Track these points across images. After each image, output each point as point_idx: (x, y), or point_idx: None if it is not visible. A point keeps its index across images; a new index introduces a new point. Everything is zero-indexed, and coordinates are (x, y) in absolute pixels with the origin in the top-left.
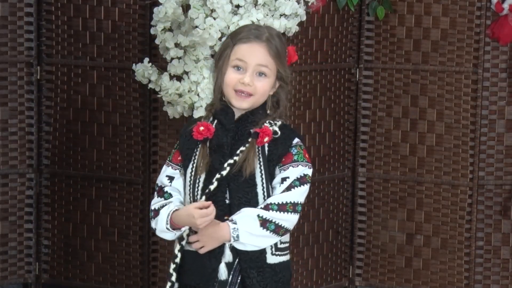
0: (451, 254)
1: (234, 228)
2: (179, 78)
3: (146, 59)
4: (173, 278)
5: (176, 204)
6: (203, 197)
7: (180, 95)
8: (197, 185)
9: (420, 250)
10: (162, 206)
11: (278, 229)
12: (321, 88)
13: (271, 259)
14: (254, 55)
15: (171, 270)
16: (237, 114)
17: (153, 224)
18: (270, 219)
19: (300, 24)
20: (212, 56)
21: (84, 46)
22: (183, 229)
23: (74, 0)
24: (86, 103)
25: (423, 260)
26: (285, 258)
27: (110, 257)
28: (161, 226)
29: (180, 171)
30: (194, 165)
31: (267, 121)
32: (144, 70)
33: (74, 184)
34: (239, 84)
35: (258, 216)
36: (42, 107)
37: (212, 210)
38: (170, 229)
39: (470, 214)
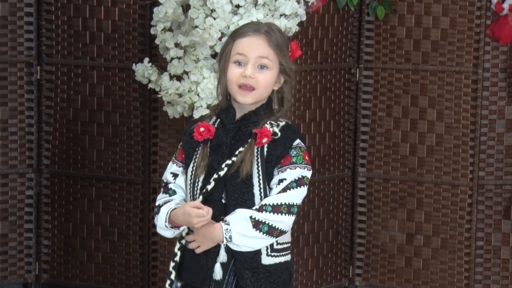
0: (451, 254)
1: (227, 229)
2: (179, 78)
3: (146, 59)
4: (172, 276)
5: (176, 202)
6: (201, 197)
7: (180, 95)
8: (196, 184)
9: (420, 250)
10: (166, 203)
11: (271, 231)
12: (321, 88)
13: (266, 260)
14: (253, 47)
15: (170, 268)
16: (240, 114)
17: (155, 220)
18: (263, 221)
19: (300, 24)
20: (212, 56)
21: (84, 46)
22: (181, 228)
23: (74, 0)
24: (86, 103)
25: (423, 260)
26: (283, 259)
27: (110, 257)
28: (160, 223)
29: (183, 169)
30: (195, 165)
31: (268, 122)
32: (144, 70)
33: (74, 184)
34: (241, 78)
35: (251, 217)
36: (42, 107)
37: (207, 211)
38: (169, 227)
39: (470, 214)
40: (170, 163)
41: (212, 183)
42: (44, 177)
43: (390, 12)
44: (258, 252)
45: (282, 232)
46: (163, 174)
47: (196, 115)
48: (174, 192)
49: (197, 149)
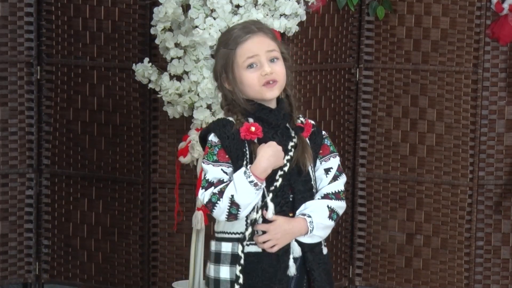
0: (451, 254)
1: (310, 222)
2: (179, 78)
3: (146, 59)
4: (241, 281)
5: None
6: (270, 195)
7: (180, 95)
8: None
9: (420, 250)
10: (226, 185)
11: (337, 218)
12: (321, 88)
13: (324, 250)
14: (259, 45)
15: (237, 272)
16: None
17: (220, 203)
18: (334, 209)
19: (300, 24)
20: (213, 56)
21: (84, 46)
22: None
23: (74, 0)
24: (86, 103)
25: (423, 260)
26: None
27: (110, 257)
28: (242, 187)
29: (232, 168)
30: (248, 164)
31: (298, 114)
32: (144, 70)
33: (74, 184)
34: (262, 78)
35: (328, 206)
36: (42, 107)
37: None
38: (255, 181)
39: (470, 214)
40: (210, 166)
41: (280, 180)
42: (44, 177)
43: (390, 12)
44: (320, 244)
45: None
46: (163, 174)
47: (196, 115)
48: (226, 184)
49: (244, 149)
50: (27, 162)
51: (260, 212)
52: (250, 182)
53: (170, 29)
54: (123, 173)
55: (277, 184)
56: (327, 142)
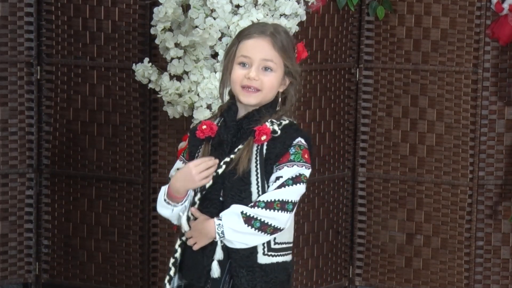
0: (451, 254)
1: (219, 224)
2: (179, 78)
3: (146, 59)
4: (171, 272)
5: None
6: (198, 194)
7: (180, 95)
8: None
9: (420, 250)
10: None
11: (264, 227)
12: (321, 88)
13: (262, 259)
14: (258, 50)
15: (170, 264)
16: (244, 112)
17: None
18: (255, 216)
19: (300, 24)
20: (212, 56)
21: (84, 46)
22: (179, 205)
23: (74, 0)
24: (86, 103)
25: (423, 260)
26: (281, 259)
27: (110, 257)
28: (160, 199)
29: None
30: None
31: (269, 120)
32: (144, 70)
33: (74, 184)
34: (245, 80)
35: (242, 213)
36: (42, 107)
37: (213, 162)
38: (168, 200)
39: (470, 214)
40: (178, 160)
41: (210, 181)
42: (44, 177)
43: (390, 12)
44: (254, 251)
45: (276, 229)
46: (163, 174)
47: (196, 115)
48: None
49: (199, 147)
50: (27, 162)
51: (188, 210)
52: (164, 199)
53: (170, 29)
54: (123, 173)
55: (207, 184)
56: (292, 150)
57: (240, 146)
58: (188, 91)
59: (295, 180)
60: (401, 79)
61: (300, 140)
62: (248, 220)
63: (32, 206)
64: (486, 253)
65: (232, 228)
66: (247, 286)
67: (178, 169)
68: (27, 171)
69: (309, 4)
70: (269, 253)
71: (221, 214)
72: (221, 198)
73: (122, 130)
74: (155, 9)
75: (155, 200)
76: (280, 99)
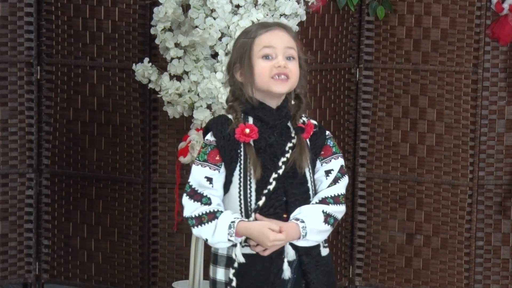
0: (451, 254)
1: (303, 227)
2: (179, 78)
3: (146, 59)
4: (234, 284)
5: (231, 214)
6: (263, 198)
7: (180, 95)
8: (249, 187)
9: (420, 250)
10: (207, 214)
11: (335, 222)
12: (321, 88)
13: (323, 251)
14: (280, 39)
15: (231, 276)
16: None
17: (196, 232)
18: (331, 214)
19: (300, 24)
20: (212, 56)
21: (84, 46)
22: (239, 238)
23: (74, 0)
24: (86, 103)
25: (423, 260)
26: (328, 249)
27: (110, 257)
28: (220, 237)
29: (219, 171)
30: (242, 167)
31: (303, 115)
32: (144, 70)
33: (74, 184)
34: (274, 69)
35: (323, 211)
36: (42, 107)
37: (285, 236)
38: (233, 239)
39: (470, 214)
40: (198, 167)
41: (273, 183)
42: (44, 177)
43: (390, 12)
44: (317, 245)
45: (338, 222)
46: (163, 174)
47: (196, 115)
48: (209, 200)
49: (238, 150)
50: (27, 162)
51: (253, 215)
52: (230, 237)
53: (170, 29)
54: (123, 173)
55: (271, 187)
56: (330, 143)
57: (290, 145)
58: (188, 91)
59: (342, 172)
60: (401, 79)
61: (329, 132)
62: (326, 217)
63: (32, 206)
64: (486, 253)
65: (316, 228)
66: (318, 281)
67: (206, 177)
68: (27, 171)
69: (309, 4)
70: (325, 245)
71: (299, 217)
72: (284, 198)
73: (122, 130)
74: (155, 9)
75: (155, 200)
76: (292, 93)
